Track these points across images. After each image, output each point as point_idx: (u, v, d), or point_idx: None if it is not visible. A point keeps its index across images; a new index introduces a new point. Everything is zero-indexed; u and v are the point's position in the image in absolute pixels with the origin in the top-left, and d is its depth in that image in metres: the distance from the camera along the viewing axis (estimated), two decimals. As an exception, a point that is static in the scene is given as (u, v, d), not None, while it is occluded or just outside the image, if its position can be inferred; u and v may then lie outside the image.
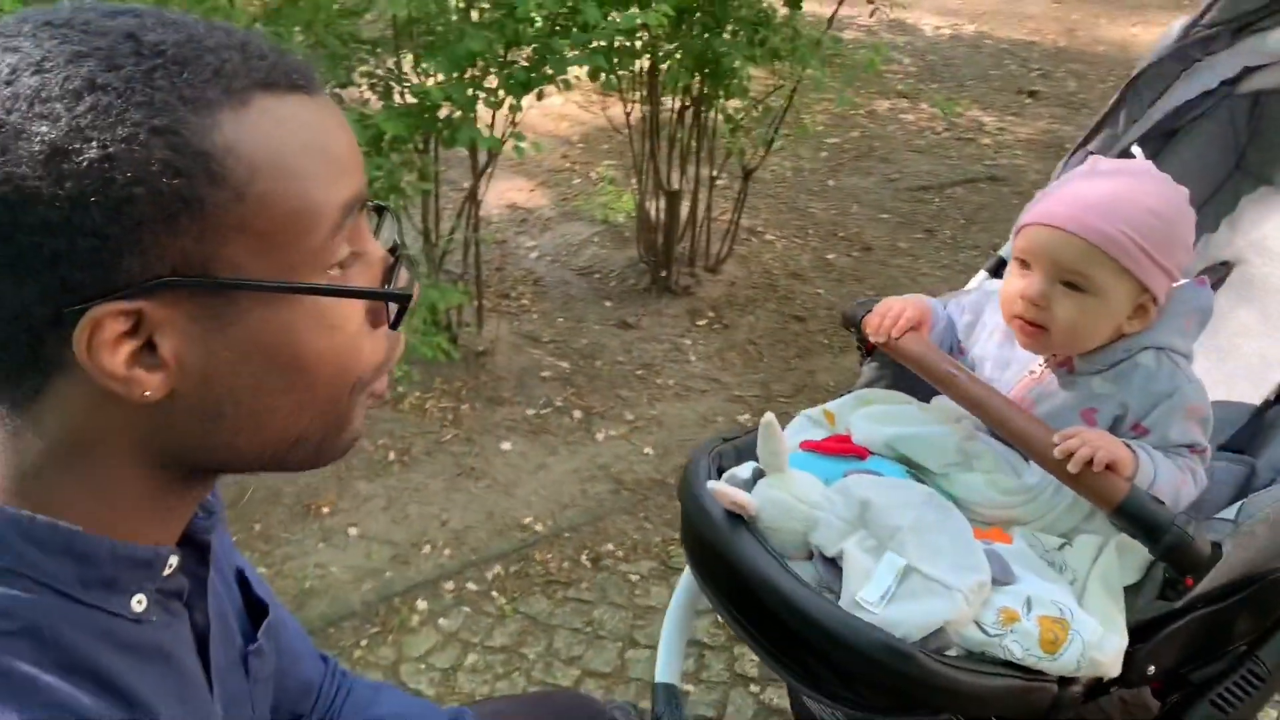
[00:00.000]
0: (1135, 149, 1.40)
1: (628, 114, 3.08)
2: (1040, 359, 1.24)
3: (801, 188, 4.11)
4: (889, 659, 1.02)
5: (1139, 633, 1.15)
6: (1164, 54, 1.48)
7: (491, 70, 2.23)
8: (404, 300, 0.66)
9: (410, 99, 2.26)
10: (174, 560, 0.66)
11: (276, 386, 0.62)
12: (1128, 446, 1.12)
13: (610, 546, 2.44)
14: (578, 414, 2.89)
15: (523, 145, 2.25)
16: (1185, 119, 1.53)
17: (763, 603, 1.09)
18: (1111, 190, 1.15)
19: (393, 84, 2.38)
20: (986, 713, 1.24)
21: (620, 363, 3.09)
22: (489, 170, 2.72)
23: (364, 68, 2.40)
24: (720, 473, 1.24)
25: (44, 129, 0.54)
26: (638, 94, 3.00)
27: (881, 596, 1.07)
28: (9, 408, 0.60)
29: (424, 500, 2.58)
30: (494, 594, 2.31)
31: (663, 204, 3.23)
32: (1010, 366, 1.27)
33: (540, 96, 2.31)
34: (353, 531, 2.48)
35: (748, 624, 1.14)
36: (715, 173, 3.20)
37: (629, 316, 3.28)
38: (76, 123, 0.54)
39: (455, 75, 2.19)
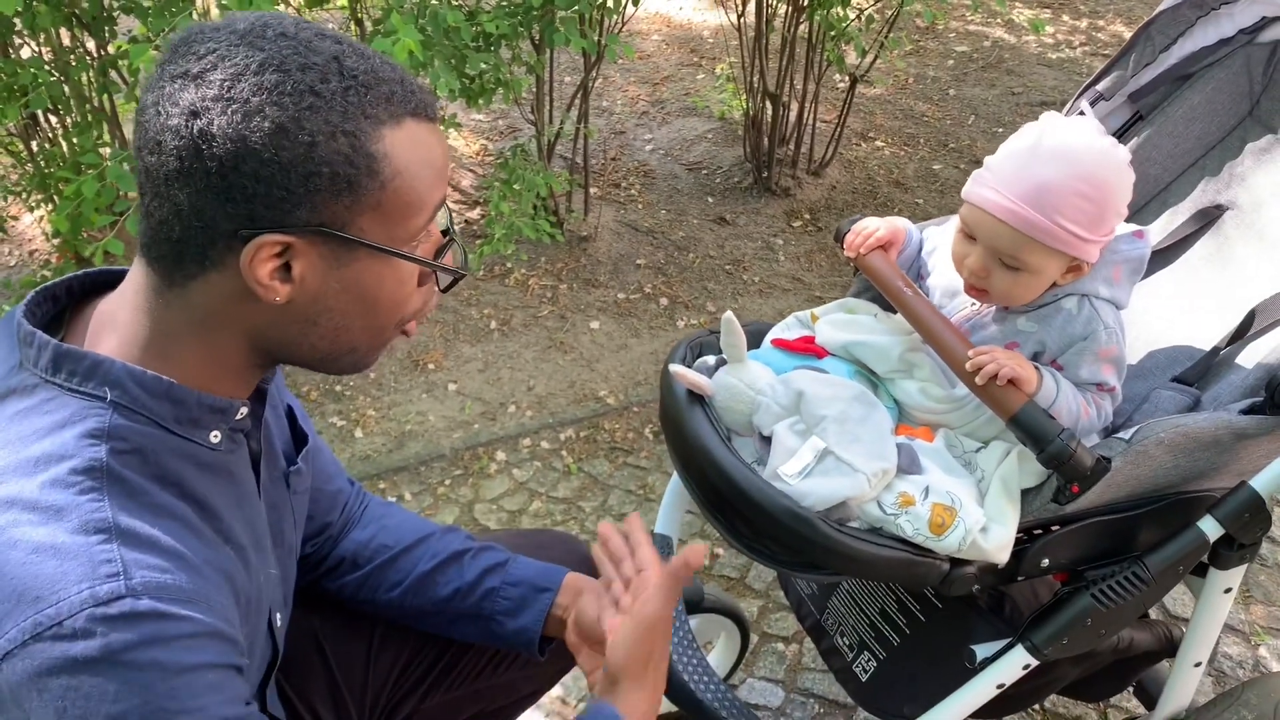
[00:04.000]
0: (1085, 107, 1.48)
1: (740, 15, 3.19)
2: (981, 295, 1.38)
3: (921, 95, 4.11)
4: (791, 522, 1.23)
5: (1035, 530, 1.32)
6: (1181, 0, 1.53)
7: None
8: (459, 275, 0.94)
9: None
10: (244, 410, 0.94)
11: (355, 311, 0.88)
12: (1036, 369, 1.27)
13: (672, 423, 2.69)
14: (664, 301, 3.11)
15: (615, 49, 2.42)
16: (1199, 65, 1.58)
17: (703, 468, 1.32)
18: (1046, 178, 1.22)
19: (507, -16, 2.58)
20: (877, 577, 1.45)
21: (712, 257, 3.28)
22: (597, 68, 2.91)
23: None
24: (697, 359, 1.45)
25: (276, 113, 0.78)
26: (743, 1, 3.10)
27: (800, 472, 1.28)
28: (165, 284, 0.84)
29: (516, 366, 2.89)
30: (563, 453, 2.61)
31: (768, 107, 3.34)
32: (957, 296, 1.41)
33: (636, 3, 2.46)
34: (451, 387, 2.82)
35: (694, 484, 1.37)
36: (818, 77, 3.28)
37: (727, 213, 3.44)
38: (298, 114, 0.78)
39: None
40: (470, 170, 3.64)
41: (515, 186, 2.85)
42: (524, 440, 2.65)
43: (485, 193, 3.06)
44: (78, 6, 2.32)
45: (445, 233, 0.94)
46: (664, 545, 1.71)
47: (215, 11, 2.17)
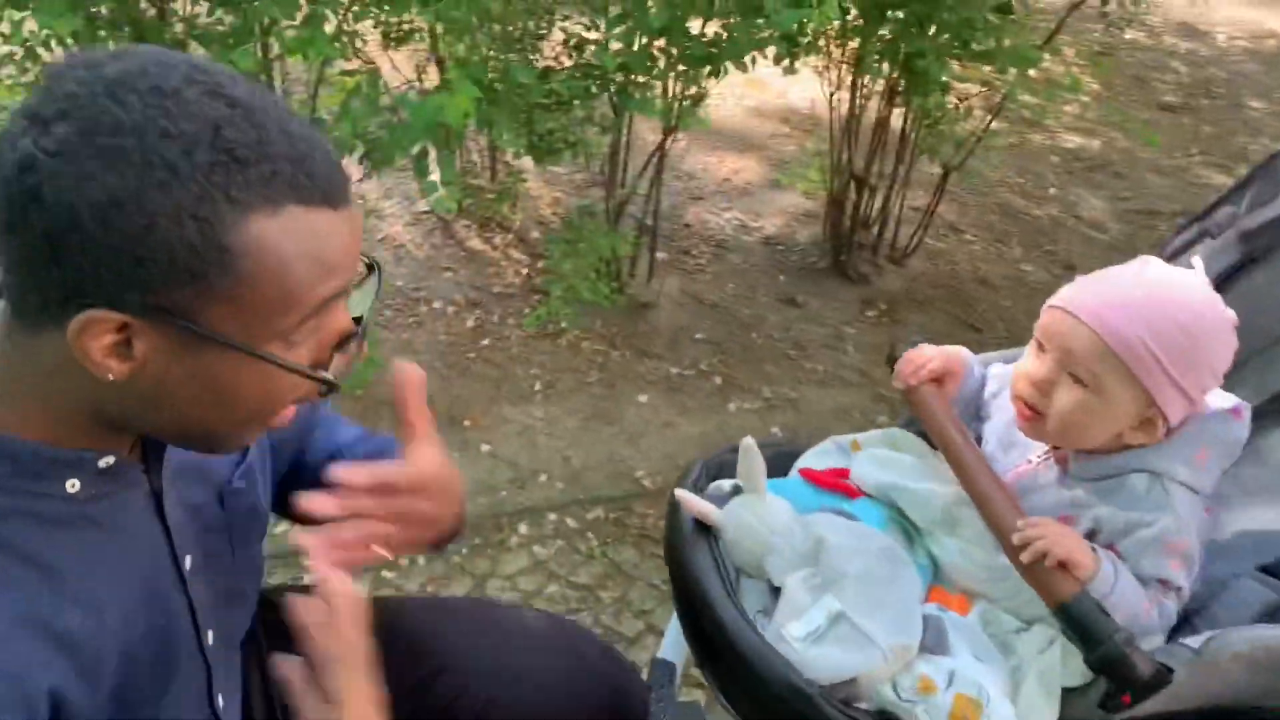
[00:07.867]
0: (1195, 261, 1.30)
1: (831, 95, 3.06)
2: (1040, 450, 1.21)
3: (1020, 190, 3.91)
4: (789, 696, 1.07)
5: (1077, 735, 1.13)
6: (1309, 137, 1.35)
7: (673, 46, 2.31)
8: (333, 386, 0.80)
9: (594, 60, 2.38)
10: (109, 460, 0.81)
11: (207, 402, 0.77)
12: (1094, 551, 1.10)
13: (708, 515, 2.53)
14: (718, 380, 2.96)
15: (690, 119, 2.32)
16: (1324, 210, 1.39)
17: (699, 615, 1.17)
18: (1145, 294, 1.11)
19: (587, 43, 2.51)
20: (883, 770, 1.26)
21: (774, 339, 3.13)
22: (674, 132, 2.80)
23: (564, 23, 2.54)
24: (712, 481, 1.31)
25: (114, 183, 0.66)
26: (839, 78, 2.98)
27: (808, 635, 1.12)
28: (19, 324, 0.75)
29: (555, 434, 2.77)
30: (589, 534, 2.47)
31: (853, 189, 3.20)
32: (1012, 450, 1.25)
33: (718, 74, 2.36)
34: (485, 448, 2.70)
35: (689, 631, 1.22)
36: (910, 163, 3.13)
37: (798, 295, 3.29)
38: (140, 190, 0.66)
39: (638, 45, 2.29)
40: (540, 223, 3.56)
41: (580, 246, 2.76)
42: (550, 515, 2.52)
43: (548, 248, 2.97)
44: None
45: (357, 320, 0.81)
46: (666, 672, 1.55)
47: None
